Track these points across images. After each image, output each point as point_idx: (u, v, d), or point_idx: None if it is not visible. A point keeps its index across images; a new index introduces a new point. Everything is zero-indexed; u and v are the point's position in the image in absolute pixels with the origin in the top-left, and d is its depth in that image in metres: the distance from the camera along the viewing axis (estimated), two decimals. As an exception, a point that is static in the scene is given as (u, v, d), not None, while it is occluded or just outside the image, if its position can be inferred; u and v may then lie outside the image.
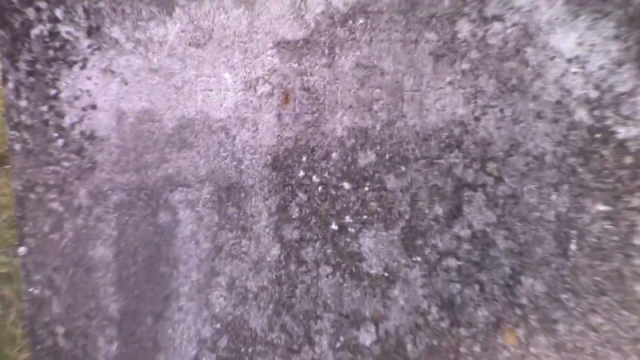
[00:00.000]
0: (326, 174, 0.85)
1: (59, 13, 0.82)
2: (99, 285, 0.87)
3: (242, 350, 0.89)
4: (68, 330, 0.88)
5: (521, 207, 0.86)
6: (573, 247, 0.87)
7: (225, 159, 0.85)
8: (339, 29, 0.82)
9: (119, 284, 0.87)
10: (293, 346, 0.90)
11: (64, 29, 0.82)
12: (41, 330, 0.88)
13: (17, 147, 0.84)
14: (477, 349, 0.89)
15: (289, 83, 0.84)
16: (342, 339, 0.90)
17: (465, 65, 0.83)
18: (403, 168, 0.85)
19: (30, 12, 0.82)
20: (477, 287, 0.88)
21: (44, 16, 0.82)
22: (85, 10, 0.82)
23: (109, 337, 0.88)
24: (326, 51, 0.83)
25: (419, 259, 0.88)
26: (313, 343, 0.89)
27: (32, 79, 0.82)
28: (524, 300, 0.88)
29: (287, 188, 0.86)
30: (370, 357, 0.89)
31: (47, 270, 0.86)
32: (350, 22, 0.82)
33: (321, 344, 0.90)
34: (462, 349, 0.90)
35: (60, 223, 0.85)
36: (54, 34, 0.82)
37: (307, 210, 0.87)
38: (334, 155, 0.85)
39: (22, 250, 0.85)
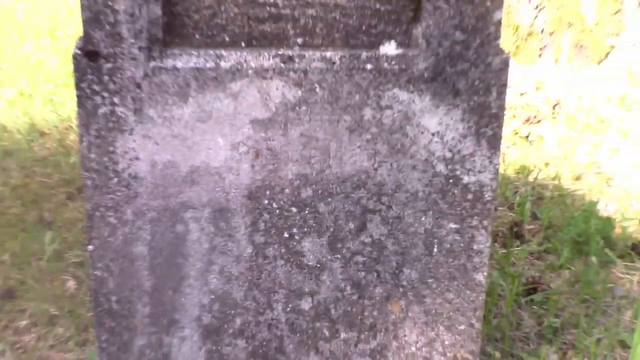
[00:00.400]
0: (281, 202, 1.38)
1: (116, 100, 1.33)
2: (138, 270, 1.38)
3: (228, 312, 1.42)
4: (118, 298, 1.40)
5: (403, 224, 1.39)
6: (435, 249, 1.40)
7: (219, 192, 1.36)
8: (290, 112, 1.34)
9: (150, 269, 1.39)
10: (259, 309, 1.42)
11: (119, 110, 1.33)
12: (101, 298, 1.40)
13: (89, 182, 1.35)
14: (374, 312, 1.43)
15: (259, 145, 1.35)
16: (290, 306, 1.42)
17: (369, 136, 1.35)
18: (329, 199, 1.37)
19: (98, 99, 1.33)
20: (375, 274, 1.41)
21: (106, 102, 1.33)
22: (133, 99, 1.33)
23: (144, 302, 1.40)
24: (282, 126, 1.35)
25: (339, 256, 1.40)
26: (272, 308, 1.42)
27: (98, 141, 1.34)
28: (405, 283, 1.41)
29: (257, 210, 1.38)
30: (308, 317, 1.42)
31: (106, 260, 1.38)
32: (297, 108, 1.34)
33: (277, 308, 1.42)
34: (366, 313, 1.43)
35: (115, 231, 1.36)
36: (112, 113, 1.33)
37: (270, 225, 1.39)
38: (287, 190, 1.37)
39: (90, 247, 1.37)
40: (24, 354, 1.81)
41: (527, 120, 3.01)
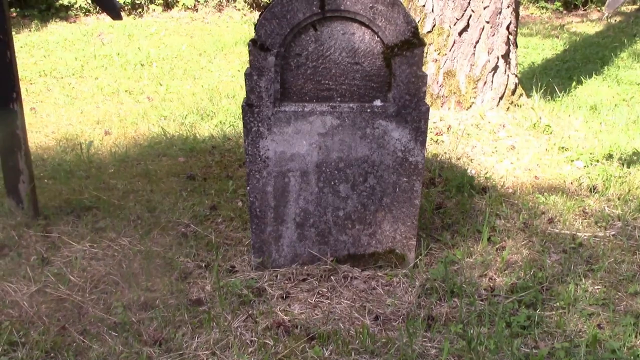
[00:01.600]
0: (330, 168, 3.23)
1: (259, 125, 3.17)
2: (268, 198, 3.23)
3: (307, 217, 3.28)
4: (259, 209, 3.26)
5: (383, 179, 3.23)
6: (397, 190, 3.25)
7: (303, 164, 3.22)
8: (334, 130, 3.18)
9: (273, 197, 3.23)
10: (321, 215, 3.28)
11: (261, 128, 3.17)
12: (252, 210, 3.27)
13: (248, 159, 3.20)
14: (371, 217, 3.29)
15: (321, 144, 3.20)
16: (334, 214, 3.29)
17: (368, 140, 3.18)
18: (351, 167, 3.22)
19: (252, 124, 3.17)
20: (371, 200, 3.26)
21: (255, 125, 3.17)
22: (267, 124, 3.17)
23: (270, 212, 3.25)
24: (331, 135, 3.19)
25: (356, 192, 3.26)
26: (326, 214, 3.28)
27: (252, 142, 3.18)
28: (384, 204, 3.27)
29: (320, 172, 3.24)
30: (342, 219, 3.28)
31: (255, 192, 3.23)
32: (337, 128, 3.18)
33: (328, 215, 3.28)
34: (367, 217, 3.30)
35: (259, 180, 3.22)
36: (258, 130, 3.17)
37: (325, 178, 3.24)
38: (333, 163, 3.23)
39: (248, 188, 3.23)
40: (219, 234, 3.75)
41: (437, 134, 5.33)
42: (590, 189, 4.34)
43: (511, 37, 5.76)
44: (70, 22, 12.17)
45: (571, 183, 4.51)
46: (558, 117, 5.91)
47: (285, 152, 3.14)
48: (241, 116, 3.16)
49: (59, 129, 6.04)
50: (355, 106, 3.12)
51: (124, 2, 12.90)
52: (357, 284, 3.21)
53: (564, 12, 14.48)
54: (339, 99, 3.14)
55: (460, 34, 5.68)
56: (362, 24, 3.03)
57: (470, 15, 5.62)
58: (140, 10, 13.25)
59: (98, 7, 12.11)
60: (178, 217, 3.96)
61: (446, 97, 5.78)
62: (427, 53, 5.84)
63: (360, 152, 3.16)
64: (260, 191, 3.20)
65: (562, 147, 5.10)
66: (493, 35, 5.65)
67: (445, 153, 5.01)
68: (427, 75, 3.13)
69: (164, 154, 5.27)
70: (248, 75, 3.05)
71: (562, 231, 3.70)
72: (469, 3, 5.60)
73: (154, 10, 13.37)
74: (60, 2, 12.66)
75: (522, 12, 14.00)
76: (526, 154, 4.99)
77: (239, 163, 5.04)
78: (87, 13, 12.84)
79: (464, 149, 5.12)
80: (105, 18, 12.62)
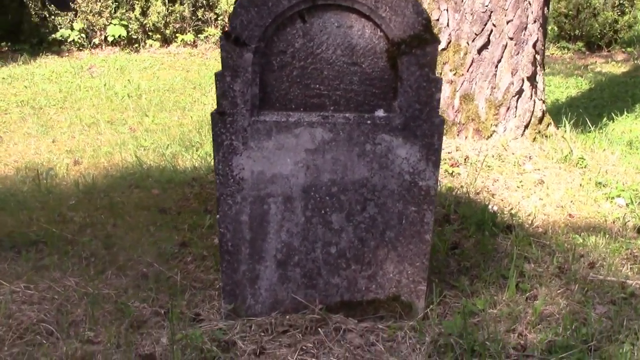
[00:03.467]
0: (321, 194, 2.67)
1: (233, 137, 2.63)
2: (243, 229, 2.69)
3: (290, 253, 2.72)
4: (232, 244, 2.70)
5: (386, 207, 2.67)
6: (404, 221, 2.68)
7: (287, 187, 2.66)
8: (326, 145, 2.63)
9: (249, 229, 2.69)
10: (308, 252, 2.72)
11: (234, 142, 2.63)
12: (223, 243, 2.71)
13: (218, 181, 2.65)
14: (370, 255, 2.72)
15: (309, 163, 2.65)
16: (324, 250, 2.72)
17: (368, 159, 2.63)
18: (346, 192, 2.66)
19: (224, 137, 2.63)
20: (371, 234, 2.70)
21: (228, 138, 2.63)
22: (242, 137, 2.62)
23: (245, 247, 2.71)
24: (321, 152, 2.63)
25: (351, 224, 2.69)
26: (315, 251, 2.72)
27: (223, 159, 2.64)
28: (387, 239, 2.70)
29: (307, 198, 2.67)
30: (334, 256, 2.71)
31: (226, 223, 2.68)
32: (330, 143, 2.62)
33: (317, 251, 2.71)
34: (365, 255, 2.72)
35: (231, 207, 2.67)
36: (231, 144, 2.63)
37: (314, 206, 2.68)
38: (324, 187, 2.67)
39: (218, 216, 2.68)
40: (187, 275, 3.19)
41: (452, 165, 4.82)
42: (638, 229, 3.74)
43: (538, 57, 5.25)
44: (62, 57, 11.82)
45: (613, 222, 3.95)
46: (592, 150, 5.36)
47: (264, 173, 2.60)
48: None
49: (23, 158, 5.55)
50: (353, 117, 2.59)
51: (119, 36, 12.54)
52: (351, 338, 2.65)
53: (587, 52, 14.07)
54: (332, 108, 2.61)
55: (479, 51, 5.16)
56: (361, 14, 2.54)
57: (492, 31, 5.11)
58: (136, 45, 12.92)
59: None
60: (140, 254, 3.42)
61: (463, 124, 5.24)
62: (441, 73, 5.33)
63: (358, 173, 2.61)
64: (232, 220, 2.65)
65: (599, 183, 4.55)
66: (517, 53, 5.13)
67: (462, 187, 4.46)
68: (441, 79, 2.61)
69: (137, 186, 4.77)
70: (219, 77, 2.55)
71: (608, 278, 3.12)
72: (489, 16, 5.09)
73: (150, 45, 13.07)
74: (53, 36, 12.34)
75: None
76: (557, 190, 4.43)
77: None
78: (80, 48, 12.52)
79: (484, 182, 4.57)
80: (98, 53, 12.27)
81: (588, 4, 14.07)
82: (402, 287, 2.77)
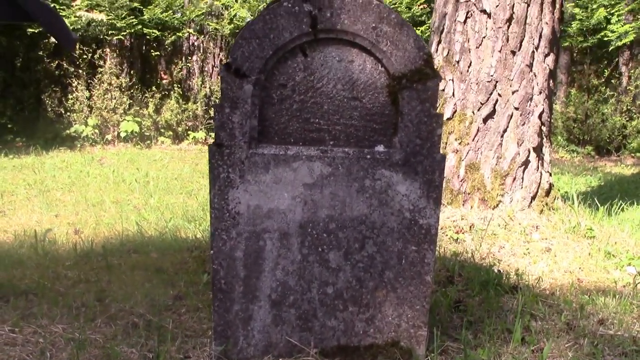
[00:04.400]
0: (318, 230, 2.62)
1: (230, 170, 2.60)
2: (237, 266, 2.62)
3: (286, 293, 2.64)
4: (225, 281, 2.63)
5: (385, 245, 2.61)
6: (404, 261, 2.62)
7: (283, 223, 2.61)
8: (324, 180, 2.60)
9: (244, 266, 2.62)
10: (304, 292, 2.64)
11: (231, 175, 2.60)
12: (216, 281, 2.64)
13: (213, 215, 2.61)
14: (368, 296, 2.64)
15: (306, 198, 2.61)
16: (321, 290, 2.64)
17: (367, 195, 2.59)
18: (345, 230, 2.61)
19: (221, 169, 2.60)
20: (369, 274, 2.63)
21: (225, 170, 2.60)
22: (239, 169, 2.60)
23: (239, 285, 2.63)
24: (320, 187, 2.60)
25: (349, 262, 2.63)
26: (311, 291, 2.64)
27: (219, 192, 2.60)
28: (386, 280, 2.63)
29: (304, 234, 2.62)
30: (331, 297, 2.63)
31: (220, 259, 2.62)
32: (328, 177, 2.59)
33: (313, 291, 2.64)
34: (363, 297, 2.64)
35: (225, 243, 2.61)
36: (227, 177, 2.60)
37: (311, 243, 2.63)
38: (321, 224, 2.62)
39: (211, 252, 2.62)
40: (180, 324, 3.10)
41: (457, 232, 4.83)
42: (650, 293, 3.66)
43: (544, 129, 5.28)
44: (74, 151, 12.01)
45: (624, 287, 3.84)
46: (601, 224, 5.28)
47: (261, 207, 2.56)
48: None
49: (23, 228, 5.51)
50: (352, 151, 2.57)
51: (132, 132, 12.79)
52: (347, 384, 2.53)
53: (596, 156, 14.20)
54: (331, 142, 2.60)
55: (485, 120, 5.20)
56: (362, 48, 2.55)
57: (497, 100, 5.16)
58: (148, 142, 13.17)
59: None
60: (132, 305, 3.32)
61: (468, 194, 5.22)
62: (447, 143, 5.35)
63: (356, 210, 2.57)
64: (227, 257, 2.60)
65: (609, 253, 4.47)
66: (523, 124, 5.16)
67: (467, 252, 4.40)
68: (442, 115, 2.60)
69: (135, 251, 4.70)
70: (218, 108, 2.54)
71: (618, 333, 3.01)
72: (494, 86, 5.15)
73: (162, 142, 13.35)
74: (67, 131, 12.59)
75: (552, 155, 13.76)
76: (565, 257, 4.37)
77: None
78: (93, 143, 12.75)
79: (490, 249, 4.51)
80: (110, 148, 12.46)
81: (597, 109, 14.30)
82: (402, 332, 2.68)
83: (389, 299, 2.66)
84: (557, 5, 5.21)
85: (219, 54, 14.72)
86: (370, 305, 2.66)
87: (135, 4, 13.61)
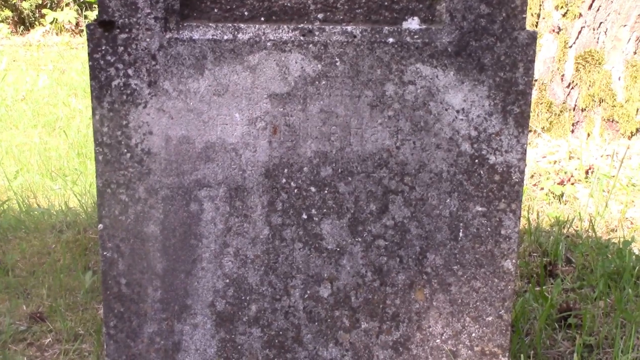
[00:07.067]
0: (300, 181, 1.43)
1: (130, 72, 1.40)
2: (150, 251, 1.44)
3: (243, 297, 1.46)
4: (128, 281, 1.45)
5: (427, 206, 1.44)
6: (461, 234, 1.44)
7: (235, 169, 1.42)
8: (309, 86, 1.40)
9: (162, 250, 1.45)
10: (276, 296, 1.46)
11: (133, 82, 1.40)
12: (110, 281, 1.45)
13: (100, 157, 1.42)
14: (397, 301, 1.46)
15: (277, 121, 1.41)
16: (308, 292, 1.47)
17: (391, 113, 1.41)
18: (349, 178, 1.43)
19: (112, 71, 1.40)
20: (397, 259, 1.45)
21: (120, 73, 1.40)
22: (147, 71, 1.40)
23: (155, 286, 1.45)
24: (301, 101, 1.41)
25: (359, 239, 1.45)
26: (290, 294, 1.46)
27: (111, 114, 1.41)
28: (429, 270, 1.45)
29: (274, 190, 1.43)
30: (327, 304, 1.46)
31: (116, 240, 1.44)
32: (317, 82, 1.40)
33: (295, 295, 1.46)
34: (388, 302, 1.46)
35: (126, 209, 1.43)
36: (126, 85, 1.40)
37: (288, 205, 1.44)
38: (305, 169, 1.43)
39: (100, 226, 1.43)
40: None
41: (561, 182, 3.34)
42: None
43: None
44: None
45: None
46: None
47: (191, 140, 1.38)
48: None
49: None
50: (360, 31, 1.37)
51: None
52: None
53: None
54: (320, 16, 1.40)
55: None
56: None
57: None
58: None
59: None
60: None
61: (582, 110, 3.75)
62: (539, 14, 4.06)
63: (371, 141, 1.40)
64: (129, 235, 1.41)
65: None
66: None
67: (580, 219, 3.05)
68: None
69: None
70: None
71: None
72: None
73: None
74: None
75: None
76: None
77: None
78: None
79: (624, 213, 3.15)
80: None
81: None
82: (458, 364, 1.51)
83: (435, 306, 1.48)
84: None
85: None
86: (400, 317, 1.49)
87: None
